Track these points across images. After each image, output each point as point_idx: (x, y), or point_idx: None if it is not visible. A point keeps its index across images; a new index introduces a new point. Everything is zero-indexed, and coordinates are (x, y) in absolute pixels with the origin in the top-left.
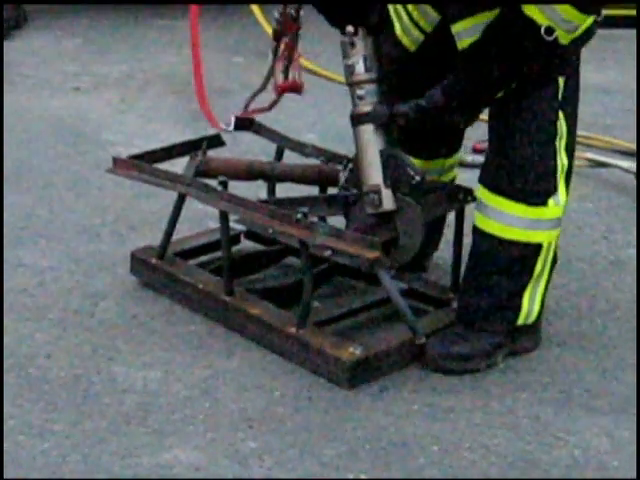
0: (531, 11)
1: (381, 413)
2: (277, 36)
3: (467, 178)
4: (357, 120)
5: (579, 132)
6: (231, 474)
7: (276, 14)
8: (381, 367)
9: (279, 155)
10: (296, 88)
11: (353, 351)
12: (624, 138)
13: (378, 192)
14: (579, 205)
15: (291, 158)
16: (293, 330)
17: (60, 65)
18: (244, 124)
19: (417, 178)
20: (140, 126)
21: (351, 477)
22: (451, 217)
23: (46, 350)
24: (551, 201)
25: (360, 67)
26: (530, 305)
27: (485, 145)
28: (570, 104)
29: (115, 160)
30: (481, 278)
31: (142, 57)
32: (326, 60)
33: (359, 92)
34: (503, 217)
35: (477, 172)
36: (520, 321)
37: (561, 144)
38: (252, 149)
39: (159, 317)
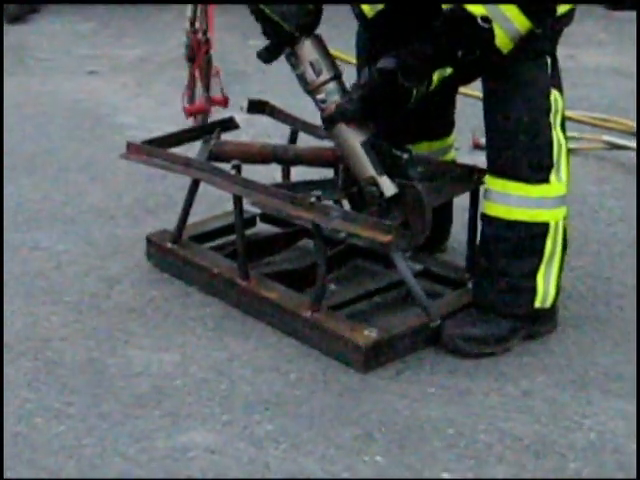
0: (472, 7)
1: (397, 396)
2: (191, 59)
3: (484, 161)
4: (328, 123)
5: (596, 115)
6: (247, 456)
7: (185, 38)
8: (397, 350)
9: (293, 138)
10: (202, 110)
11: (369, 334)
12: None
13: (375, 183)
14: (596, 188)
15: (305, 140)
16: (308, 314)
17: (75, 49)
18: (257, 107)
19: (405, 156)
20: (155, 109)
21: (367, 460)
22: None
23: (62, 333)
24: (553, 177)
25: (310, 74)
26: (545, 287)
27: None
28: (559, 83)
29: (129, 145)
30: (492, 262)
31: (157, 40)
32: (341, 43)
33: (319, 97)
34: (507, 199)
35: None
36: (537, 304)
37: (556, 120)
38: (267, 131)
39: (175, 300)
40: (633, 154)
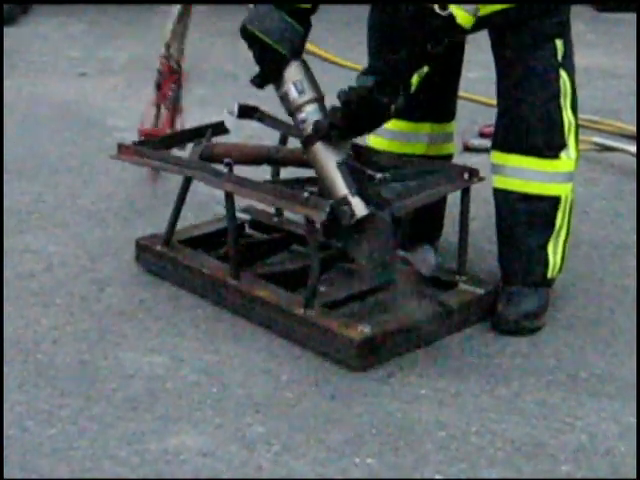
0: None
1: (388, 398)
2: (159, 85)
3: (475, 162)
4: (306, 143)
5: (587, 116)
6: (238, 459)
7: (158, 65)
8: (391, 346)
9: (283, 142)
10: (157, 134)
11: (362, 329)
12: (632, 122)
13: (347, 202)
14: (586, 189)
15: (295, 145)
16: (301, 311)
17: (66, 51)
18: (248, 112)
19: (378, 175)
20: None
21: (358, 462)
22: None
23: (53, 335)
24: (563, 154)
25: (292, 93)
26: (554, 258)
27: (492, 129)
28: (570, 64)
29: (120, 146)
30: (511, 233)
31: (147, 42)
32: (331, 45)
33: (300, 116)
34: (521, 173)
35: (485, 156)
36: (549, 274)
37: (566, 102)
38: (257, 135)
39: (166, 302)
40: (623, 156)
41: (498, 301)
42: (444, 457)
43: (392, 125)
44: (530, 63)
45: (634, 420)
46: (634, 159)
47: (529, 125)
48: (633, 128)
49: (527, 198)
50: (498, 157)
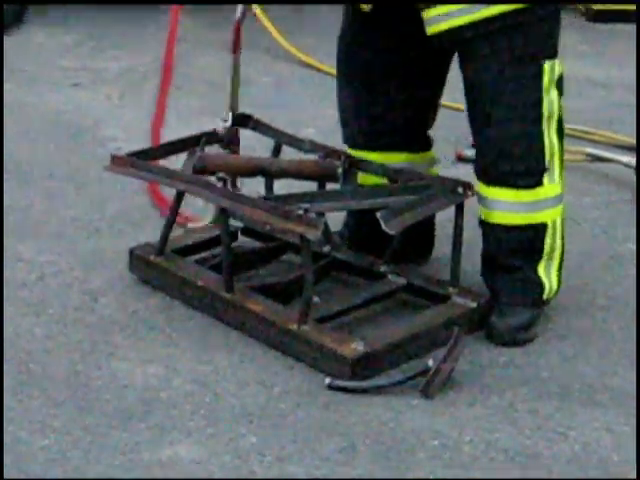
0: None
1: (381, 408)
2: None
3: (467, 173)
4: None
5: (579, 127)
6: (232, 469)
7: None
8: (383, 363)
9: (277, 151)
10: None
11: (355, 347)
12: (624, 133)
13: None
14: (578, 200)
15: (289, 154)
16: (295, 326)
17: (59, 60)
18: (242, 120)
19: None
20: (139, 121)
21: (352, 472)
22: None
23: (46, 345)
24: (546, 180)
25: None
26: (548, 280)
27: None
28: (559, 85)
29: (113, 157)
30: (497, 260)
31: (140, 52)
32: (324, 55)
33: None
34: (499, 205)
35: None
36: (545, 296)
37: (550, 125)
38: (250, 145)
39: (159, 312)
40: (616, 166)
41: (491, 312)
42: (437, 466)
43: (369, 156)
44: (509, 86)
45: (627, 430)
46: (626, 169)
47: (505, 155)
48: (625, 138)
49: (511, 229)
50: (480, 188)
